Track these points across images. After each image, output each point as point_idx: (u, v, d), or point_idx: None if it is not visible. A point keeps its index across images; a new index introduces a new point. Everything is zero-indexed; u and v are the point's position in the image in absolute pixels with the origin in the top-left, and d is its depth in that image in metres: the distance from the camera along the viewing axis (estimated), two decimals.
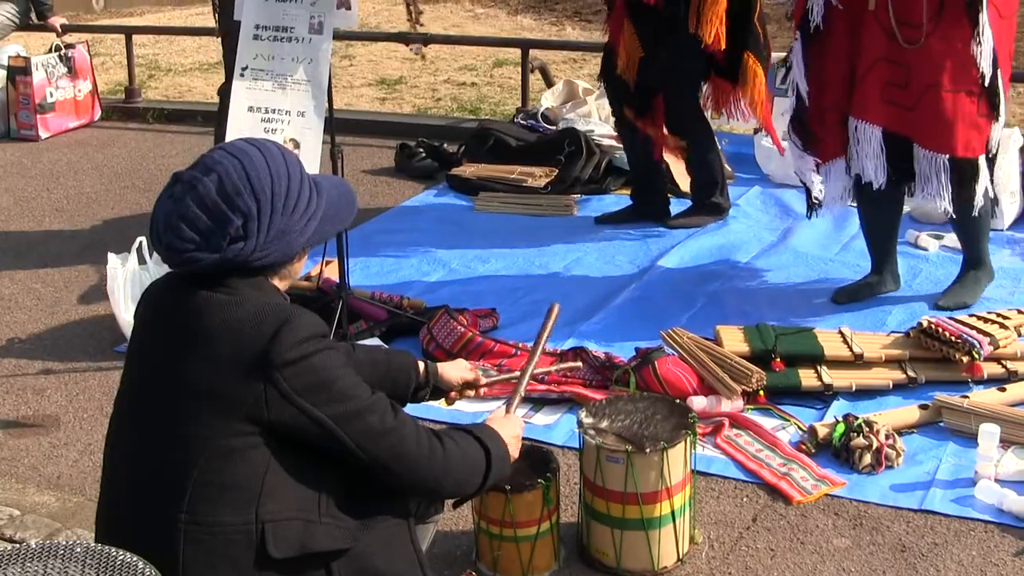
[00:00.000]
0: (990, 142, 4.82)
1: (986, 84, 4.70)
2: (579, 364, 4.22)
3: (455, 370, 3.18)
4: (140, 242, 5.01)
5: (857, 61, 4.88)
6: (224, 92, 6.67)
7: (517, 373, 3.21)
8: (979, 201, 4.89)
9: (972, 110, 4.74)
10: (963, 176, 4.85)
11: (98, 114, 9.15)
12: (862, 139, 4.95)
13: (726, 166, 6.82)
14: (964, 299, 5.16)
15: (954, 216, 4.98)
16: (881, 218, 5.24)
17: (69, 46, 8.96)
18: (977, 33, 4.63)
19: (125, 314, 4.90)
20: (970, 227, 5.14)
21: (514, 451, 2.89)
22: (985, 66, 4.66)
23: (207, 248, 2.42)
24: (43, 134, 8.64)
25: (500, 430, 2.84)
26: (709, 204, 6.25)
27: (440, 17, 13.98)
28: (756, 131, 7.22)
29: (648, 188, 6.35)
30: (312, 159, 4.65)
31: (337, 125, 4.96)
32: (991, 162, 4.89)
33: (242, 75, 4.82)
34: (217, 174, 2.44)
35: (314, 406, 2.42)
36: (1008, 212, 6.03)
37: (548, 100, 7.88)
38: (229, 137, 4.73)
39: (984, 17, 4.63)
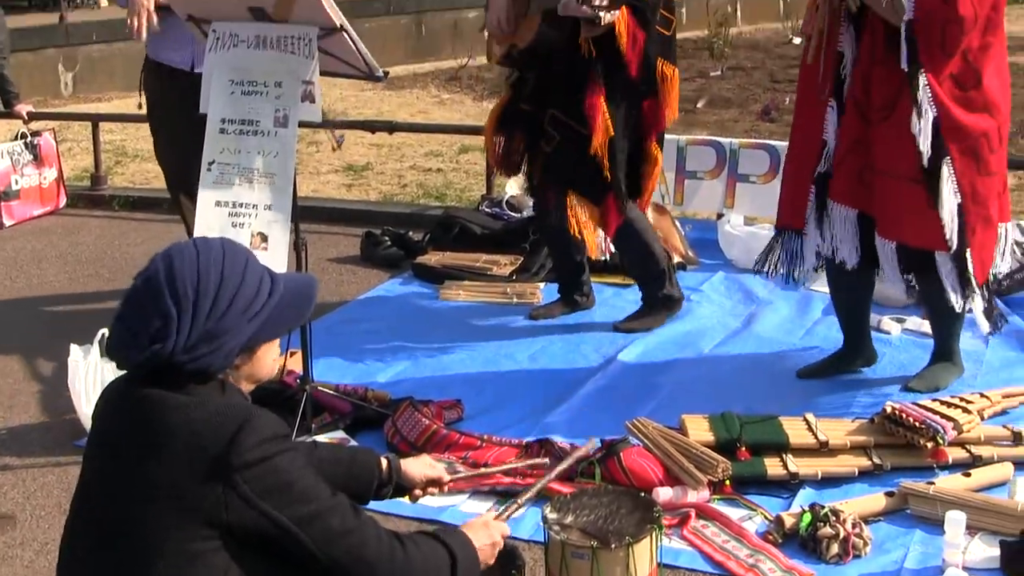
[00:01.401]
0: (948, 238, 4.76)
1: (927, 173, 4.71)
2: (546, 461, 4.20)
3: (419, 467, 3.16)
4: (103, 334, 4.97)
5: (838, 141, 4.93)
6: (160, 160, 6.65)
7: (482, 470, 3.19)
8: (950, 297, 4.89)
9: (923, 201, 4.75)
10: (919, 266, 4.89)
11: (63, 201, 9.14)
12: (836, 221, 4.99)
13: (689, 252, 6.86)
14: (936, 383, 5.17)
15: (921, 305, 5.01)
16: (852, 297, 5.29)
17: (35, 133, 8.97)
18: (916, 117, 4.65)
19: (86, 407, 4.86)
20: (937, 319, 5.18)
21: (488, 558, 2.86)
22: (924, 153, 4.66)
23: (133, 346, 2.45)
24: (7, 222, 8.62)
25: (474, 536, 2.81)
26: (660, 299, 6.09)
27: (407, 103, 14.08)
28: (719, 216, 7.27)
29: (576, 278, 6.29)
30: (280, 252, 4.66)
31: (303, 213, 4.98)
32: (957, 259, 4.83)
33: (209, 169, 4.83)
34: (148, 274, 2.49)
35: (274, 508, 2.40)
36: None
37: (513, 188, 7.92)
38: (197, 233, 4.76)
39: (922, 98, 4.64)
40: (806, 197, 5.05)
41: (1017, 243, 6.04)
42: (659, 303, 6.09)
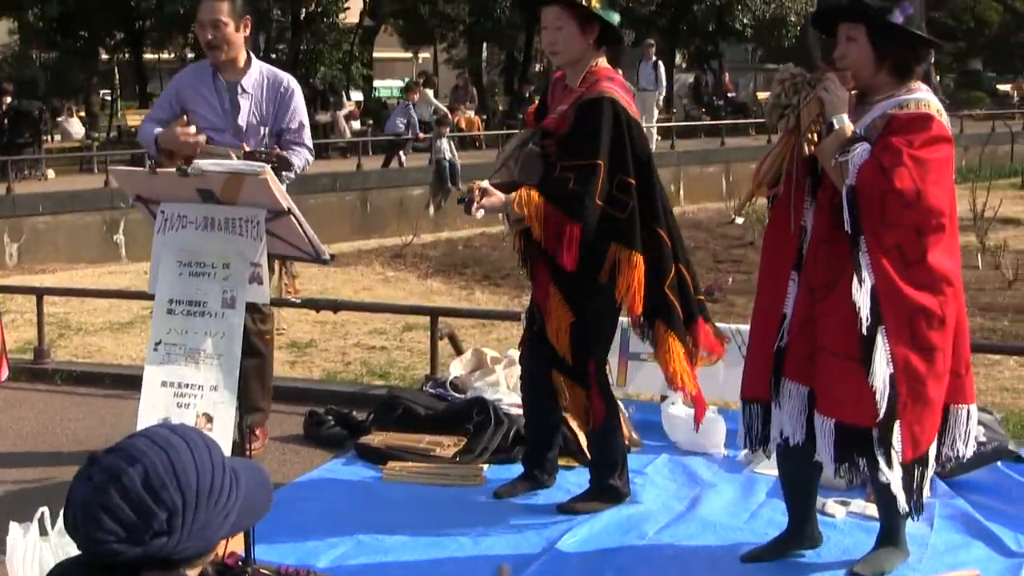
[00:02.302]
0: (878, 412, 4.80)
1: (863, 341, 4.76)
2: None
3: None
4: (43, 512, 4.90)
5: (793, 317, 5.00)
6: None
7: None
8: (885, 475, 4.90)
9: (858, 377, 4.78)
10: (853, 444, 4.91)
11: (5, 375, 9.03)
12: (784, 397, 5.02)
13: (633, 435, 6.88)
14: (882, 567, 5.15)
15: (876, 484, 5.01)
16: (800, 476, 5.28)
17: None
18: (857, 283, 4.73)
19: None
20: (883, 500, 5.18)
21: None
22: (864, 320, 4.73)
23: (129, 541, 2.39)
24: None
25: None
26: (608, 488, 6.06)
27: (351, 280, 14.18)
28: (663, 398, 7.31)
29: (544, 456, 6.27)
30: (225, 435, 4.67)
31: None
32: (884, 430, 4.83)
33: (156, 349, 4.85)
34: (143, 465, 2.42)
35: None
36: None
37: (457, 368, 7.94)
38: (142, 413, 4.75)
39: (862, 264, 4.72)
40: (769, 370, 5.09)
41: None
42: (605, 491, 6.06)
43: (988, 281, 13.69)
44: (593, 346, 5.88)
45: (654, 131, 28.33)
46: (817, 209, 4.96)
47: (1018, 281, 13.50)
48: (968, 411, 5.06)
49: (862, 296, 4.71)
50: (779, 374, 5.06)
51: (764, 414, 5.19)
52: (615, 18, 5.78)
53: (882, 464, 4.84)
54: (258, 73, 6.84)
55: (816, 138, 4.86)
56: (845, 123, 4.82)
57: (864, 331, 4.73)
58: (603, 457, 6.10)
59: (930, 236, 4.80)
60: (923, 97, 4.88)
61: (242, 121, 6.72)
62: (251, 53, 6.91)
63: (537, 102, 6.33)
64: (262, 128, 6.75)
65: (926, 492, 5.02)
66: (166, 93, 7.14)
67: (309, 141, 6.95)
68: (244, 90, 6.79)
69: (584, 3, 5.66)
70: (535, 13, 5.92)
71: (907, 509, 4.97)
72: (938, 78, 40.66)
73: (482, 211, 5.53)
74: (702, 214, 21.10)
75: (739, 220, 18.96)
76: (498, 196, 5.55)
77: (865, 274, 4.71)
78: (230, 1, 6.71)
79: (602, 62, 5.79)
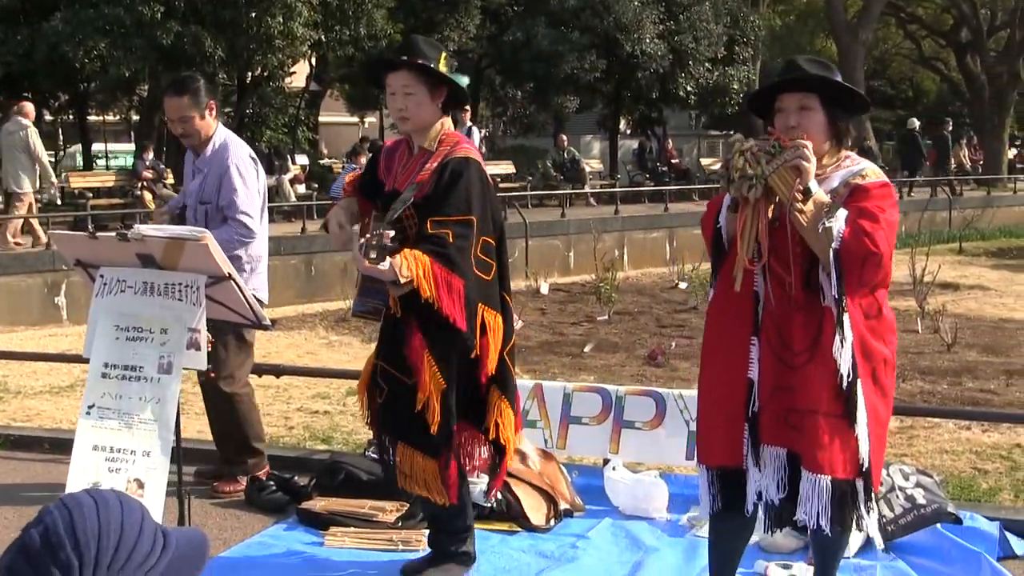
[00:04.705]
0: (861, 462, 4.83)
1: (847, 400, 4.80)
2: None
3: None
4: None
5: (761, 383, 4.96)
6: None
7: None
8: (865, 521, 4.91)
9: (846, 432, 4.82)
10: (842, 498, 4.92)
11: None
12: (765, 462, 4.98)
13: (576, 499, 6.87)
14: None
15: (820, 536, 5.01)
16: (735, 545, 5.26)
17: None
18: (840, 342, 4.76)
19: None
20: (827, 552, 5.18)
21: None
22: (845, 376, 4.77)
23: None
24: None
25: None
26: (460, 555, 5.88)
27: (294, 344, 14.13)
28: (605, 462, 7.31)
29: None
30: (157, 500, 4.61)
31: (189, 456, 4.92)
32: (866, 478, 4.87)
33: (88, 413, 4.80)
34: (44, 524, 2.41)
35: None
36: (854, 539, 6.08)
37: None
38: (72, 477, 4.70)
39: (846, 324, 4.76)
40: (742, 436, 5.00)
41: (900, 488, 6.17)
42: (457, 557, 5.90)
43: (927, 345, 13.84)
44: (452, 415, 5.57)
45: None
46: (776, 280, 4.96)
47: (956, 345, 13.63)
48: None
49: (844, 352, 4.77)
50: (756, 440, 5.01)
51: (731, 480, 5.11)
52: (464, 81, 5.70)
53: (863, 511, 4.88)
54: (211, 150, 7.10)
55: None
56: (819, 189, 4.84)
57: (845, 386, 4.79)
58: (456, 526, 5.89)
59: (879, 291, 4.96)
60: (872, 166, 5.01)
61: (190, 200, 7.04)
62: (220, 125, 7.21)
63: (361, 172, 6.14)
64: (206, 206, 6.91)
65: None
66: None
67: (241, 214, 6.94)
68: (200, 169, 7.10)
69: (434, 67, 5.55)
70: (380, 81, 5.74)
71: (883, 544, 5.12)
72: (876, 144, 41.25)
73: (386, 266, 5.06)
74: (646, 279, 21.18)
75: (683, 285, 19.06)
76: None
77: (848, 331, 4.78)
78: (190, 95, 7.03)
79: (448, 124, 5.68)
